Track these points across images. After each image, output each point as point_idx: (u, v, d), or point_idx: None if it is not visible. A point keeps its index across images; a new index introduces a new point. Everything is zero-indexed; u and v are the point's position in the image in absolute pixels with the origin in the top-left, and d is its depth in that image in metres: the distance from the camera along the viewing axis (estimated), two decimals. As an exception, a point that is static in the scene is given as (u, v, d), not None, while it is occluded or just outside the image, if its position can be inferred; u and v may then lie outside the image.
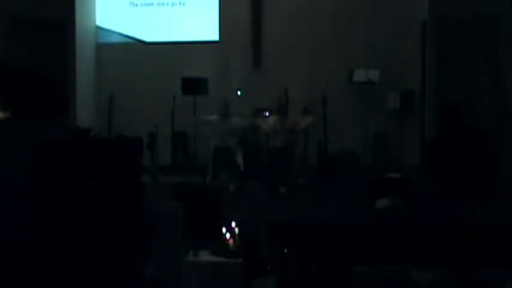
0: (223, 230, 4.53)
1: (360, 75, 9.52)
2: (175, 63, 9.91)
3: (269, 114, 8.97)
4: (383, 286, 4.95)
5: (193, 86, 9.48)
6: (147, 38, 10.30)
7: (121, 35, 10.31)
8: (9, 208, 3.48)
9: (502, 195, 6.05)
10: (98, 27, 10.32)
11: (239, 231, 4.82)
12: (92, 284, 4.69)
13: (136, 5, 10.36)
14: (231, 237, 4.51)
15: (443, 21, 9.11)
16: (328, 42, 9.84)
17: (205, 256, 4.55)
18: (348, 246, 5.15)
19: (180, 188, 6.38)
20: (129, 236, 5.01)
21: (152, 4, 10.35)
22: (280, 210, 6.75)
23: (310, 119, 8.86)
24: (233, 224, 4.52)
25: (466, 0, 8.88)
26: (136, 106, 9.85)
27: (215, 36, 10.15)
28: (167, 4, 10.32)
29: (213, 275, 4.43)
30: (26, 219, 3.61)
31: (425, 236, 5.08)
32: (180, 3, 10.30)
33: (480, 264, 4.94)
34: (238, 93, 9.72)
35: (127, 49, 10.24)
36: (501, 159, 7.18)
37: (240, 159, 8.55)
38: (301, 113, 9.16)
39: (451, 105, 6.50)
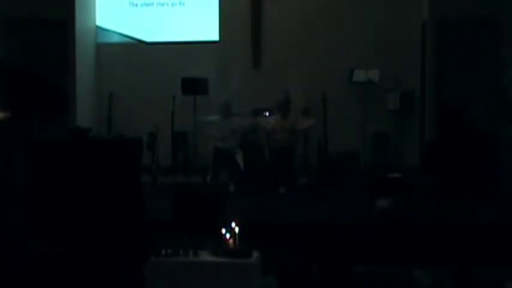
0: (223, 230, 4.52)
1: (360, 75, 9.52)
2: (175, 63, 9.91)
3: (269, 114, 8.98)
4: (383, 286, 4.95)
5: (193, 86, 9.47)
6: (147, 38, 10.30)
7: (121, 35, 10.31)
8: (9, 207, 3.48)
9: (502, 195, 6.06)
10: (98, 27, 10.32)
11: None
12: (92, 283, 4.69)
13: (136, 5, 10.36)
14: (231, 237, 4.50)
15: (443, 21, 9.11)
16: (328, 42, 9.84)
17: (205, 256, 4.54)
18: (348, 246, 5.16)
19: (180, 188, 6.38)
20: (129, 236, 5.01)
21: (152, 4, 10.35)
22: (280, 210, 6.77)
23: (311, 121, 8.85)
24: (233, 224, 4.52)
25: (466, 0, 8.89)
26: (136, 106, 9.85)
27: (215, 36, 10.16)
28: (167, 4, 10.32)
29: (213, 275, 4.43)
30: (26, 219, 3.61)
31: (425, 236, 5.09)
32: (180, 3, 10.30)
33: (480, 264, 4.95)
34: None
35: (127, 49, 10.25)
36: (501, 159, 7.18)
37: (240, 159, 8.55)
38: (302, 113, 9.16)
39: (451, 106, 6.50)
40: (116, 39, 10.31)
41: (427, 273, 4.94)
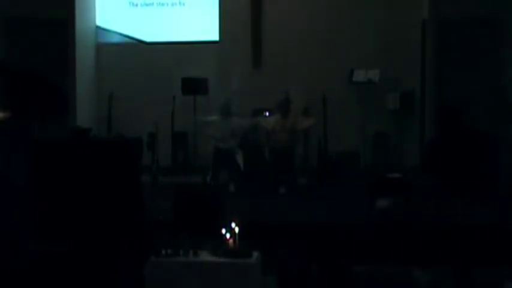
0: (223, 230, 4.52)
1: (360, 75, 9.52)
2: (175, 63, 9.92)
3: (269, 114, 8.98)
4: (383, 286, 4.95)
5: (193, 86, 9.47)
6: (147, 38, 10.30)
7: (121, 35, 10.31)
8: (9, 207, 3.48)
9: (502, 195, 6.06)
10: (98, 27, 10.32)
11: None
12: (92, 283, 4.69)
13: (136, 5, 10.36)
14: (231, 237, 4.50)
15: (443, 21, 9.11)
16: (328, 42, 9.84)
17: (205, 256, 4.54)
18: (348, 246, 5.16)
19: (180, 188, 6.38)
20: (129, 236, 5.01)
21: (152, 4, 10.35)
22: (280, 210, 6.77)
23: (311, 121, 8.86)
24: (233, 224, 4.52)
25: (466, 0, 8.89)
26: (136, 106, 9.85)
27: (215, 36, 10.16)
28: (167, 4, 10.33)
29: (213, 275, 4.43)
30: (26, 219, 3.61)
31: (425, 236, 5.09)
32: (180, 3, 10.30)
33: (480, 264, 4.95)
34: None
35: (127, 49, 10.25)
36: (501, 159, 7.18)
37: (240, 159, 8.55)
38: (302, 113, 9.16)
39: (451, 106, 6.49)
40: (116, 39, 10.31)
41: (427, 273, 4.94)
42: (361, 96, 9.63)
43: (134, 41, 10.28)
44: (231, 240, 4.48)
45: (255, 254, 4.54)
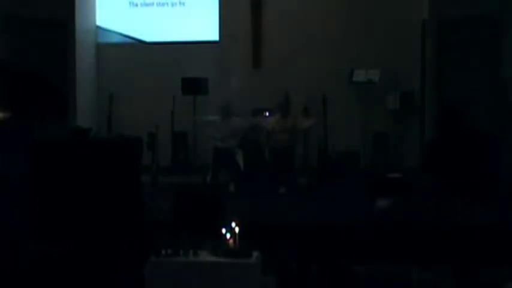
0: (223, 230, 4.52)
1: (360, 75, 9.53)
2: (175, 63, 9.92)
3: (269, 114, 8.98)
4: (383, 286, 4.95)
5: (193, 86, 9.48)
6: (147, 38, 10.30)
7: (121, 35, 10.32)
8: (9, 207, 3.48)
9: (502, 195, 6.06)
10: (98, 27, 10.33)
11: None
12: (92, 283, 4.69)
13: (136, 5, 10.37)
14: (231, 237, 4.50)
15: (443, 21, 9.10)
16: (328, 42, 9.84)
17: (205, 256, 4.54)
18: (348, 246, 5.16)
19: (180, 188, 6.37)
20: (129, 236, 5.01)
21: (152, 4, 10.35)
22: (280, 210, 6.77)
23: (311, 121, 8.87)
24: (233, 224, 4.52)
25: (466, 0, 8.88)
26: (136, 106, 9.86)
27: (215, 36, 10.16)
28: (167, 4, 10.33)
29: (213, 275, 4.43)
30: (26, 219, 3.62)
31: (425, 236, 5.09)
32: (180, 3, 10.31)
33: (480, 264, 4.95)
34: None
35: (127, 49, 10.25)
36: (501, 159, 7.18)
37: (240, 159, 8.56)
38: (302, 113, 9.17)
39: (451, 106, 6.49)
40: (116, 39, 10.32)
41: (427, 273, 4.94)
42: (361, 96, 9.63)
43: (134, 41, 10.29)
44: (231, 240, 4.48)
45: (255, 254, 4.54)
